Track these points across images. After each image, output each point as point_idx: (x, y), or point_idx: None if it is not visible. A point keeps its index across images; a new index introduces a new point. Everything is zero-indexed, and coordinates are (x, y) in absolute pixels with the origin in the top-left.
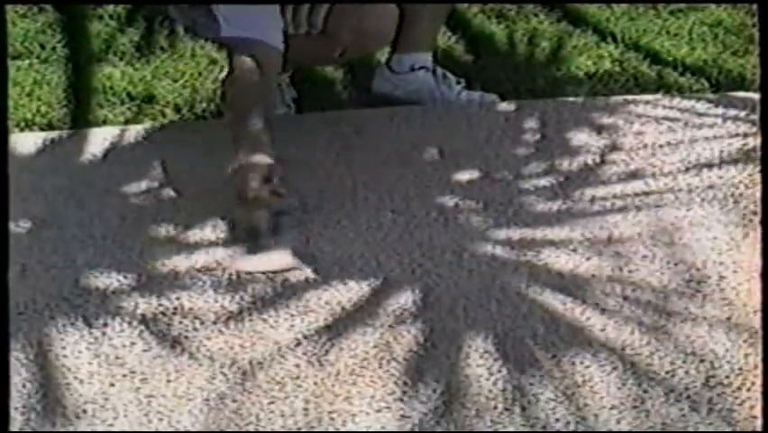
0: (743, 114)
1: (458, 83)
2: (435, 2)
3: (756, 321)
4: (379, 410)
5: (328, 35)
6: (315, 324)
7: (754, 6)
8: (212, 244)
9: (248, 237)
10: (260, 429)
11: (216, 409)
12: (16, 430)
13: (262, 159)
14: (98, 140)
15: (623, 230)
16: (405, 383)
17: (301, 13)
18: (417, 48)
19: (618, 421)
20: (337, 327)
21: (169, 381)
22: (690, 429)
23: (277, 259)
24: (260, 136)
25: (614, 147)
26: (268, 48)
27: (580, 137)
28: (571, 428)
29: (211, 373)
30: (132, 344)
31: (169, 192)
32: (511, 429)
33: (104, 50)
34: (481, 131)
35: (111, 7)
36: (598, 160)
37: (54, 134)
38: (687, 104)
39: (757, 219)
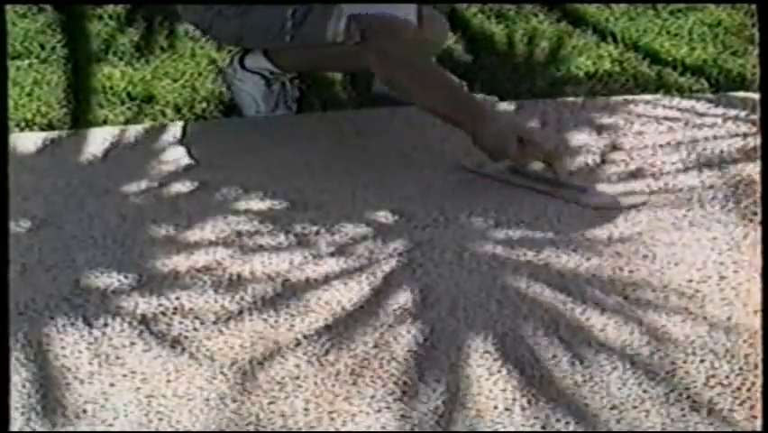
0: (743, 114)
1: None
2: (436, 2)
3: (756, 321)
4: (378, 410)
5: (368, 46)
6: (315, 324)
7: (754, 6)
8: (212, 243)
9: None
10: (260, 429)
11: (216, 409)
12: (16, 430)
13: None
14: (98, 140)
15: (623, 230)
16: (405, 383)
17: (343, 21)
18: None
19: (618, 421)
20: (337, 327)
21: (169, 381)
22: (690, 429)
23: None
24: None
25: (614, 147)
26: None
27: (580, 137)
28: (571, 428)
29: (211, 373)
30: (132, 344)
31: (169, 192)
32: (511, 429)
33: (103, 50)
34: None
35: (111, 7)
36: (598, 160)
37: (54, 134)
38: (687, 104)
39: (757, 219)
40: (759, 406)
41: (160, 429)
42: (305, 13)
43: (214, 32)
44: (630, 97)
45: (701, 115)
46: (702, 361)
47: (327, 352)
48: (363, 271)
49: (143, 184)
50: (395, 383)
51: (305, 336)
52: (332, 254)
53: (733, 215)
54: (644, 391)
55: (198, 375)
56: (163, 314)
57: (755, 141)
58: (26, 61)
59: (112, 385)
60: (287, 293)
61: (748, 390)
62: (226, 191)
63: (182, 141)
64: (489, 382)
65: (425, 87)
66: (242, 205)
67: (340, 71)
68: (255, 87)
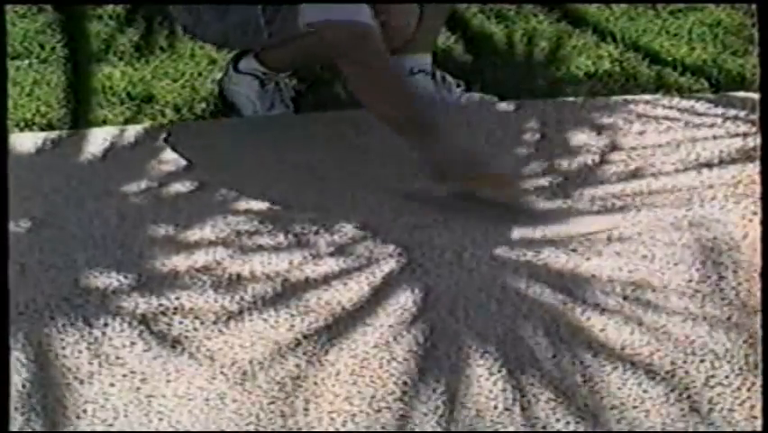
0: (743, 114)
1: (458, 86)
2: (435, 1)
3: (756, 321)
4: (378, 410)
5: None
6: (315, 324)
7: (754, 6)
8: (212, 243)
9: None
10: (260, 429)
11: (216, 409)
12: (16, 430)
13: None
14: (98, 140)
15: (623, 230)
16: (405, 383)
17: None
18: (416, 49)
19: (618, 421)
20: (337, 327)
21: (169, 381)
22: (690, 429)
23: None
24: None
25: (614, 147)
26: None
27: (580, 137)
28: (571, 428)
29: (211, 373)
30: (132, 344)
31: (168, 192)
32: (511, 429)
33: (103, 50)
34: (481, 131)
35: (111, 7)
36: (598, 160)
37: (54, 134)
38: (687, 104)
39: (757, 219)
40: (759, 406)
41: (160, 429)
42: (276, 9)
43: (201, 37)
44: (630, 97)
45: (701, 115)
46: (702, 361)
47: (327, 352)
48: (363, 271)
49: (143, 184)
50: (395, 383)
51: (305, 336)
52: (331, 254)
53: (733, 215)
54: (644, 391)
55: (198, 375)
56: (163, 314)
57: (755, 141)
58: (26, 61)
59: (112, 385)
60: (287, 293)
61: (748, 390)
62: (226, 191)
63: (167, 140)
64: (489, 382)
65: (380, 95)
66: (241, 205)
67: (327, 62)
68: (249, 87)
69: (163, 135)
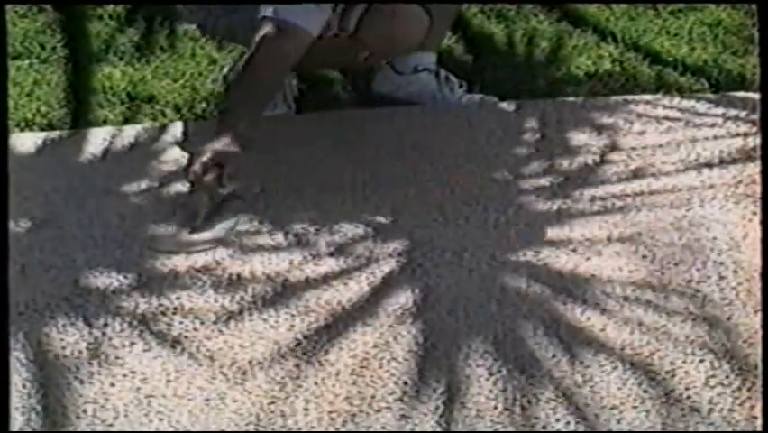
0: (743, 114)
1: (460, 86)
2: (438, 2)
3: (756, 321)
4: (378, 410)
5: (357, 39)
6: (315, 324)
7: (754, 6)
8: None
9: (186, 219)
10: (260, 429)
11: (216, 409)
12: (16, 430)
13: (222, 145)
14: (98, 140)
15: (623, 230)
16: (405, 383)
17: (333, 14)
18: (422, 48)
19: (618, 421)
20: (337, 327)
21: (169, 381)
22: (691, 429)
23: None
24: (239, 122)
25: (614, 147)
26: (299, 30)
27: (580, 137)
28: (572, 428)
29: (211, 373)
30: (132, 344)
31: (168, 192)
32: (511, 429)
33: (103, 50)
34: (481, 131)
35: (111, 7)
36: (598, 160)
37: (54, 134)
38: (687, 104)
39: (757, 219)
40: (759, 406)
41: (160, 429)
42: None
43: (210, 31)
44: (630, 97)
45: (701, 115)
46: (702, 361)
47: (327, 352)
48: (363, 271)
49: (143, 184)
50: (395, 383)
51: (305, 336)
52: (331, 254)
53: (733, 215)
54: (644, 391)
55: (198, 375)
56: (163, 314)
57: (755, 141)
58: (26, 61)
59: (112, 385)
60: (287, 293)
61: (748, 390)
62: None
63: (183, 143)
64: (489, 382)
65: (248, 88)
66: (241, 205)
67: (331, 67)
68: None
69: (175, 135)
